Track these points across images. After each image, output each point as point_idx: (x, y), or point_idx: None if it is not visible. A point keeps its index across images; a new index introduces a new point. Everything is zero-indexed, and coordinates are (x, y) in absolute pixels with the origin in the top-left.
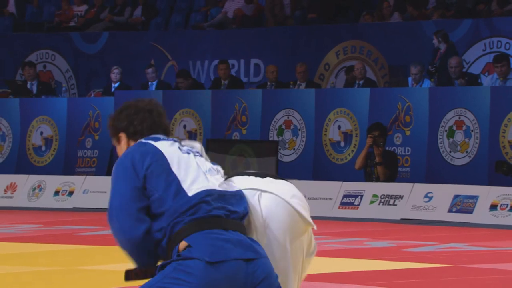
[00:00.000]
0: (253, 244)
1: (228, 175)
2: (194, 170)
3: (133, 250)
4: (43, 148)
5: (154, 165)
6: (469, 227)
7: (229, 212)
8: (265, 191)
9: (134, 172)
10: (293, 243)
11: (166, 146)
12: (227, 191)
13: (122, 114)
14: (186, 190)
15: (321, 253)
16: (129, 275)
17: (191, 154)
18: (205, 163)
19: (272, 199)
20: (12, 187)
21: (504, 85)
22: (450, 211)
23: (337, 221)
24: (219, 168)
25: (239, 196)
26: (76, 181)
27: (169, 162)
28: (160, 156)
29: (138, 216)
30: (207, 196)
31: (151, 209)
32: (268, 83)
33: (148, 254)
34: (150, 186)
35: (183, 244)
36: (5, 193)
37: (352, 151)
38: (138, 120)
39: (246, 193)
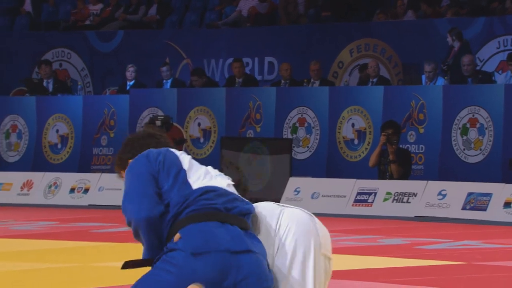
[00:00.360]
0: (245, 239)
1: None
2: (203, 171)
3: (147, 231)
4: (59, 146)
5: (166, 161)
6: (483, 224)
7: (229, 207)
8: (290, 207)
9: (149, 164)
10: (317, 260)
11: (179, 152)
12: (233, 193)
13: (126, 147)
14: (191, 184)
15: (334, 251)
16: (127, 264)
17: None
18: (215, 170)
19: (297, 212)
20: (28, 185)
21: None
22: (464, 208)
23: (350, 218)
24: (229, 177)
25: (246, 201)
26: (91, 178)
27: (180, 161)
28: (173, 155)
29: (155, 199)
30: (210, 191)
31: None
32: (282, 81)
33: (158, 239)
34: (161, 179)
35: (177, 236)
36: (21, 190)
37: (366, 148)
38: (144, 146)
39: (269, 205)
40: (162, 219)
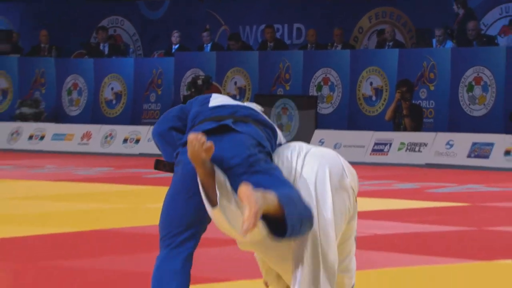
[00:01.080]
0: (228, 122)
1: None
2: (228, 99)
3: (159, 141)
4: (114, 102)
5: (200, 97)
6: (486, 170)
7: (234, 112)
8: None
9: (188, 104)
10: (338, 191)
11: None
12: (247, 107)
13: None
14: (209, 104)
15: None
16: (158, 165)
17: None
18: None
19: (324, 148)
20: (87, 135)
21: None
22: (469, 156)
23: (369, 166)
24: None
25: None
26: (142, 130)
27: (211, 98)
28: (208, 96)
29: (173, 119)
30: (222, 107)
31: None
32: (309, 45)
33: (173, 149)
34: (190, 112)
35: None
36: (81, 141)
37: (383, 104)
38: None
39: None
40: (182, 134)
